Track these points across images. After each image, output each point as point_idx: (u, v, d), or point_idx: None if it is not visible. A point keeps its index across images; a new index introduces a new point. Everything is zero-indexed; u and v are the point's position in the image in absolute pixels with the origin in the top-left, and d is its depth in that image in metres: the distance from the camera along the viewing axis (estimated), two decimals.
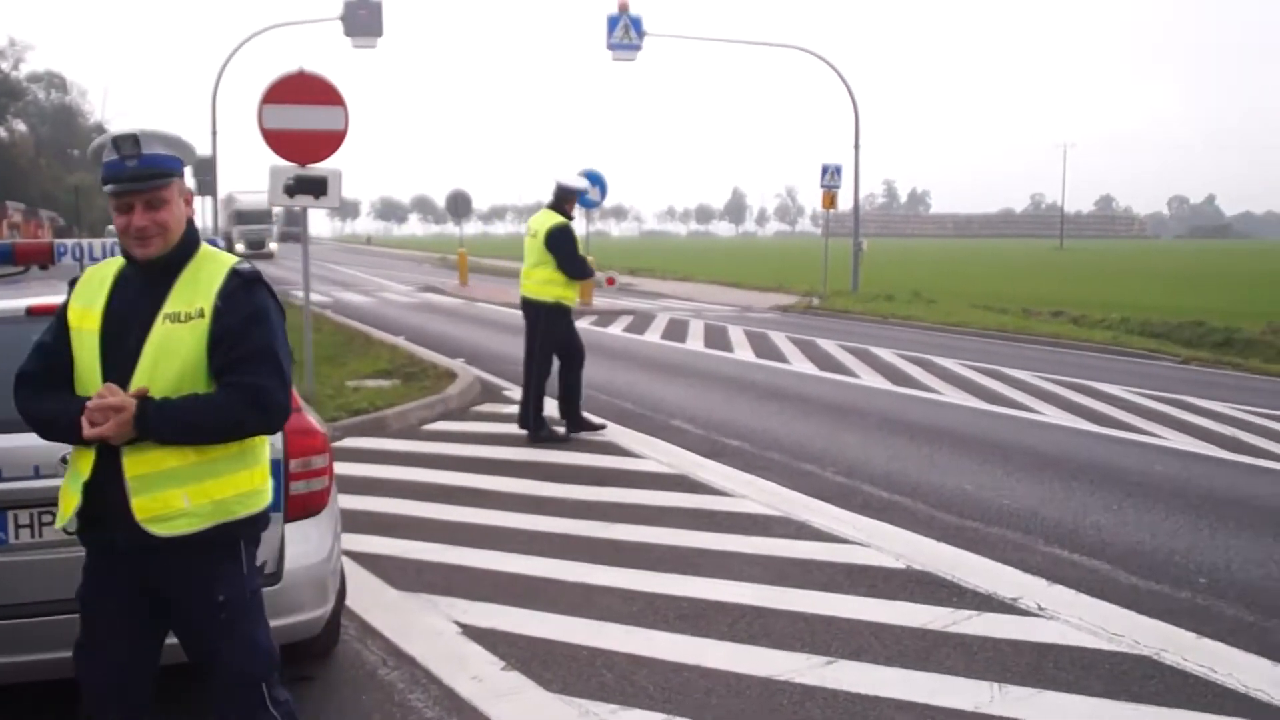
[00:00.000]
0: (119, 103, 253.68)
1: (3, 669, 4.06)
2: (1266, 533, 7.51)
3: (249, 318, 3.21)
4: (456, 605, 5.90)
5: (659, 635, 5.52)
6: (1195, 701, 4.81)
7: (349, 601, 5.53)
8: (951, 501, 8.19)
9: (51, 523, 3.83)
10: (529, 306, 10.43)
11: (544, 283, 10.23)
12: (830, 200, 30.93)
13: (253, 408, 3.17)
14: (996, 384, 14.47)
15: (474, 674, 5.03)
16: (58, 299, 3.44)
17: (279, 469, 4.42)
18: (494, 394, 12.77)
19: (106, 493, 3.14)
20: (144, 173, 3.13)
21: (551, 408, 10.43)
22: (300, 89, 11.37)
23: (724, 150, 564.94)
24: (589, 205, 20.50)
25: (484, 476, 8.74)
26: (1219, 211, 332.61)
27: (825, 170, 30.27)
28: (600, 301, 26.63)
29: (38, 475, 3.98)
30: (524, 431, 10.22)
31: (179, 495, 3.15)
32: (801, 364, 16.57)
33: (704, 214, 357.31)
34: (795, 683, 4.94)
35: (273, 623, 4.36)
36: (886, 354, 17.82)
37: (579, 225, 16.74)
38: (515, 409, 10.63)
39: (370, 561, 6.57)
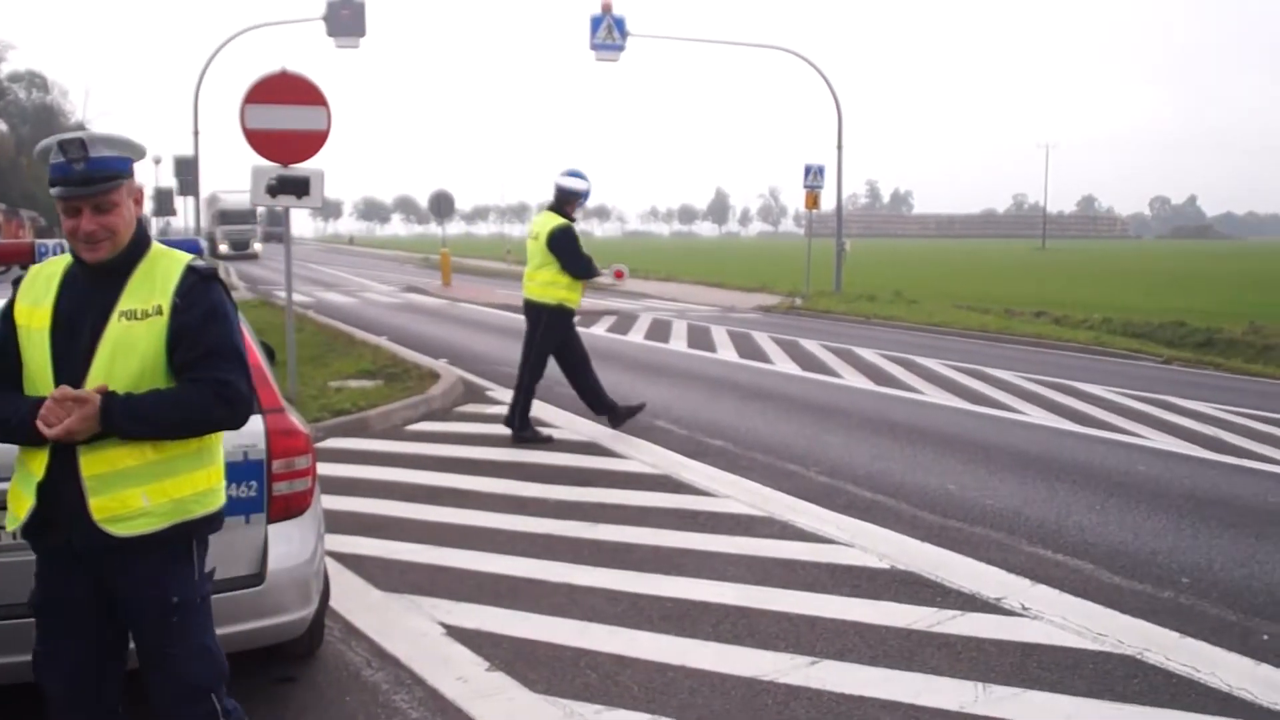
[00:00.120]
0: (100, 102, 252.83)
1: None
2: (1249, 532, 7.54)
3: (208, 314, 3.21)
4: (440, 606, 5.88)
5: (643, 635, 5.51)
6: (1178, 701, 4.83)
7: (333, 602, 5.51)
8: (935, 501, 8.21)
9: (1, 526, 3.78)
10: (531, 309, 10.41)
11: (547, 285, 10.23)
12: (813, 200, 31.00)
13: (219, 402, 3.16)
14: (979, 384, 14.50)
15: (458, 674, 5.02)
16: None
17: (261, 469, 4.41)
18: (477, 394, 12.74)
19: (62, 493, 3.09)
20: (92, 176, 3.09)
21: (551, 410, 10.39)
22: (283, 89, 11.33)
23: (707, 151, 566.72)
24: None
25: (467, 477, 8.72)
26: (1200, 212, 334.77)
27: (808, 170, 30.33)
28: (583, 301, 26.51)
29: None
30: (509, 431, 10.21)
31: (138, 494, 3.12)
32: (785, 364, 16.58)
33: (687, 214, 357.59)
34: (780, 683, 4.94)
35: (256, 624, 4.37)
36: (869, 354, 17.85)
37: None
38: (498, 409, 10.61)
39: (354, 562, 6.55)
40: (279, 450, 4.45)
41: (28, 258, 4.82)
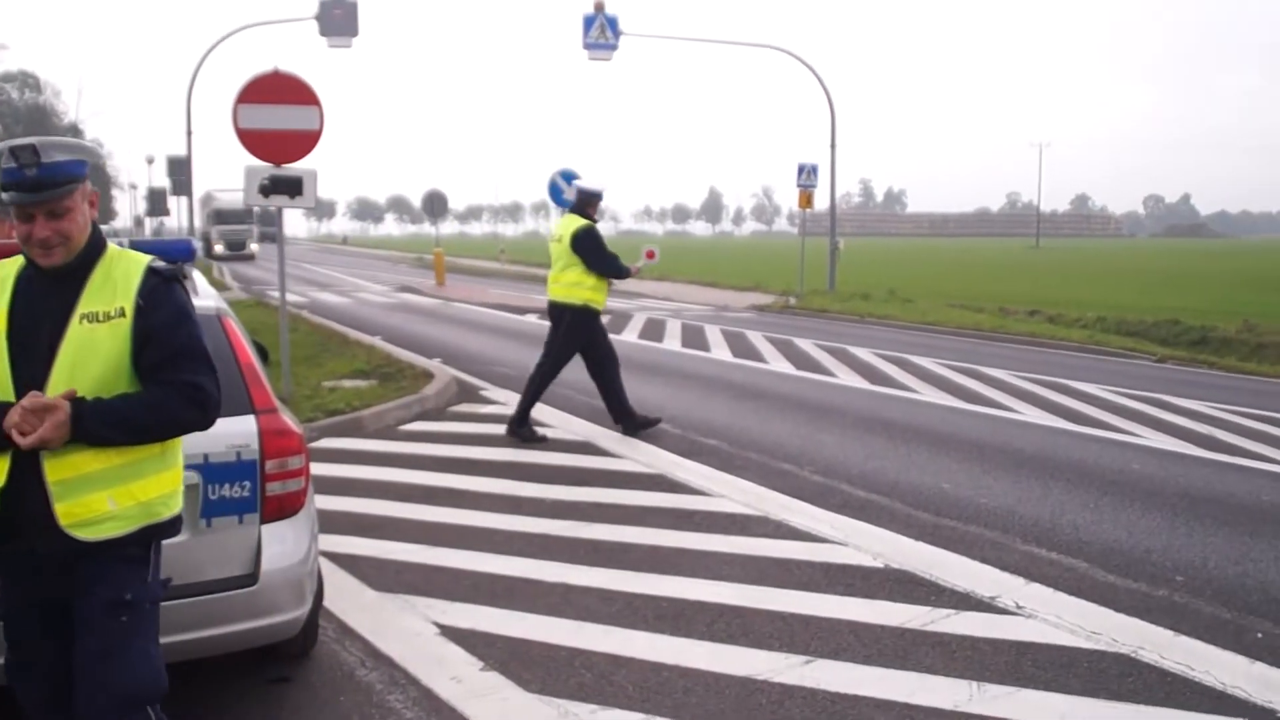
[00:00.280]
0: (93, 102, 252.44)
1: None
2: (1243, 530, 7.55)
3: (174, 316, 3.20)
4: (435, 606, 5.87)
5: (638, 635, 5.51)
6: (1173, 699, 4.83)
7: (327, 602, 5.51)
8: (929, 500, 8.21)
9: None
10: (556, 309, 10.42)
11: (573, 285, 10.24)
12: (806, 200, 31.00)
13: (190, 405, 3.16)
14: (973, 383, 14.52)
15: (453, 674, 5.01)
16: None
17: (255, 470, 4.40)
18: (471, 394, 12.73)
19: (26, 499, 3.06)
20: (44, 181, 3.04)
21: (547, 410, 10.38)
22: (275, 89, 11.31)
23: (701, 150, 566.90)
24: (564, 205, 20.45)
25: (462, 477, 8.71)
26: (1194, 211, 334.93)
27: (801, 170, 30.32)
28: None
29: None
30: (505, 430, 10.19)
31: (104, 498, 3.10)
32: (779, 363, 16.58)
33: (680, 213, 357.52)
34: (774, 682, 4.94)
35: (250, 624, 4.36)
36: (863, 353, 17.86)
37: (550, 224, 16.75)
38: (492, 409, 10.59)
39: (348, 562, 6.54)
40: (272, 450, 4.44)
41: None
